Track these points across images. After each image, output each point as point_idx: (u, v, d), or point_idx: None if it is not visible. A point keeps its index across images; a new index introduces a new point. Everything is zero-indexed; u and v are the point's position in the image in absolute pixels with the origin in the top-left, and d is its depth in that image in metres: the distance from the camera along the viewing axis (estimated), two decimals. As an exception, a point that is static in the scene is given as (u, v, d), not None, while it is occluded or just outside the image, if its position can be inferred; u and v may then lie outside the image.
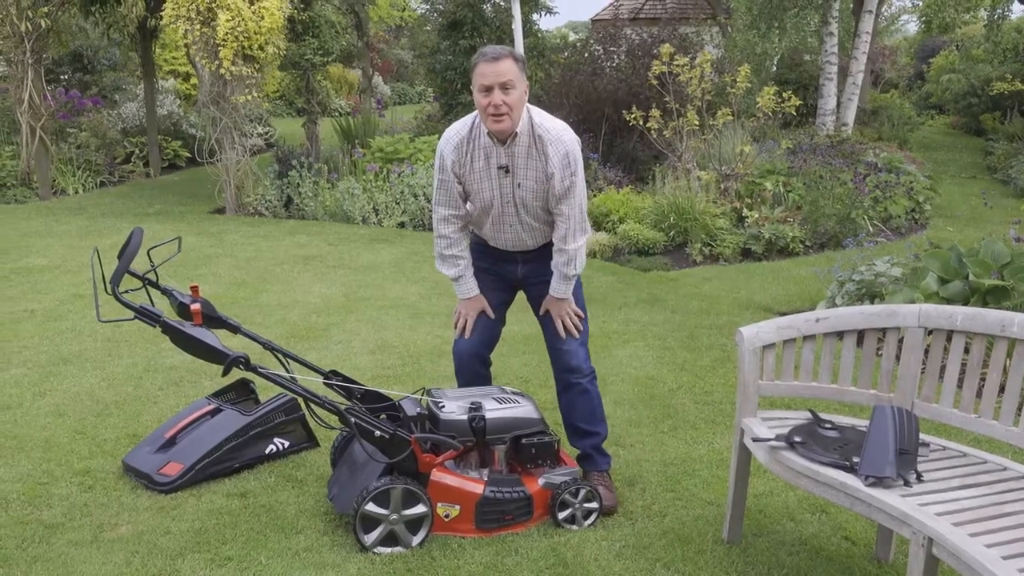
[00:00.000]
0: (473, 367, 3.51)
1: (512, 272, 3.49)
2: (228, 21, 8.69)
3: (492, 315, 3.44)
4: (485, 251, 3.50)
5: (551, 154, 3.16)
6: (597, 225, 8.24)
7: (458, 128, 3.30)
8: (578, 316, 3.41)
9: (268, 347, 3.43)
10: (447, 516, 3.12)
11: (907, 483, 2.52)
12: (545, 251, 3.41)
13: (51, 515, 3.29)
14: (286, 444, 3.80)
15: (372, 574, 2.93)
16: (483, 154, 3.24)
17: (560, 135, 3.19)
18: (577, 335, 3.40)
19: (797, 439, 2.79)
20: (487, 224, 3.39)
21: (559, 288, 3.34)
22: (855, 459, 2.62)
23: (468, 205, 3.37)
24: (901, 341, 2.99)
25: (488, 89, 3.06)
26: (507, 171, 3.23)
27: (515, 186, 3.25)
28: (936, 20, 23.09)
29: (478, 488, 3.14)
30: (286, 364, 3.39)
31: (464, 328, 3.44)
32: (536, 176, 3.22)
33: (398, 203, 9.19)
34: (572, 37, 18.30)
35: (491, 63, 3.06)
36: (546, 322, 3.46)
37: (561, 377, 3.46)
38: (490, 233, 3.43)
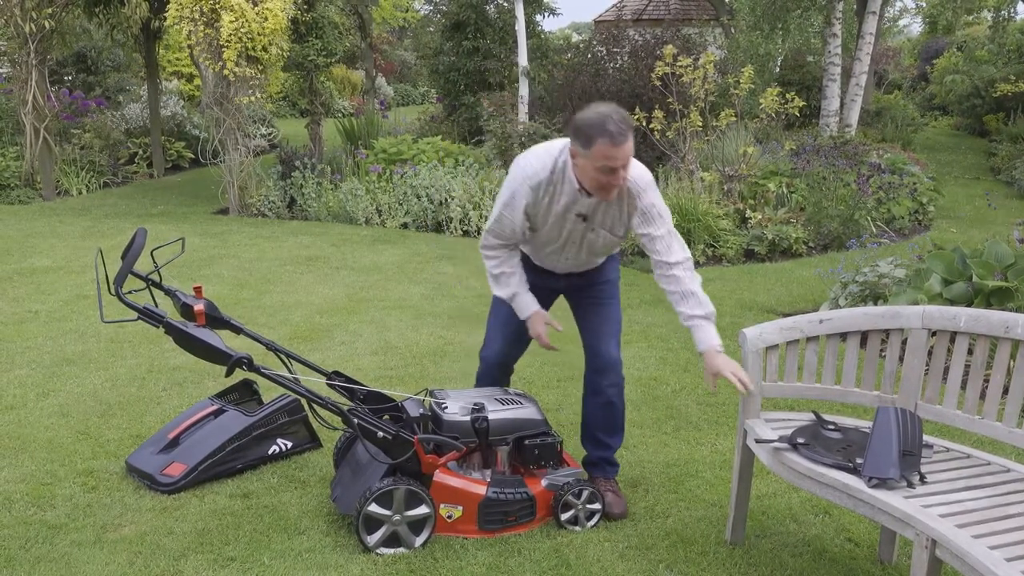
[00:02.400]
0: (494, 375, 3.50)
1: (555, 284, 3.41)
2: (232, 22, 8.70)
3: (559, 327, 3.30)
4: (529, 267, 3.37)
5: (638, 206, 3.04)
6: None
7: (538, 168, 3.03)
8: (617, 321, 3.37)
9: (271, 348, 3.43)
10: (450, 517, 3.12)
11: (910, 484, 2.52)
12: (591, 268, 3.36)
13: (54, 515, 3.29)
14: (289, 445, 3.81)
15: (375, 575, 2.93)
16: (564, 199, 3.04)
17: (646, 185, 3.04)
18: (749, 388, 2.92)
19: (800, 440, 2.78)
20: (542, 253, 3.30)
21: (712, 336, 2.97)
22: (858, 460, 2.62)
23: (528, 233, 3.20)
24: (904, 343, 2.99)
25: (614, 170, 2.85)
26: (585, 219, 3.09)
27: (589, 231, 3.14)
28: (941, 20, 23.07)
29: (481, 489, 3.14)
30: (289, 365, 3.39)
31: (546, 344, 3.28)
32: (612, 223, 3.12)
33: (401, 204, 9.20)
34: (575, 38, 18.30)
35: (618, 148, 2.80)
36: (585, 322, 3.39)
37: (593, 381, 3.37)
38: (542, 258, 3.33)
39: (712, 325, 3.01)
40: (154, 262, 3.20)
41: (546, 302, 3.45)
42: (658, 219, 3.07)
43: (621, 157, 2.83)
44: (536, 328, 3.28)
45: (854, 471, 2.59)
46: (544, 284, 3.40)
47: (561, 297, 3.51)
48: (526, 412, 3.22)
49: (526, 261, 3.38)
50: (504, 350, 3.43)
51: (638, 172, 3.03)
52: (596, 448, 3.45)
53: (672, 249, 3.08)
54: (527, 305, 3.27)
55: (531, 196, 3.04)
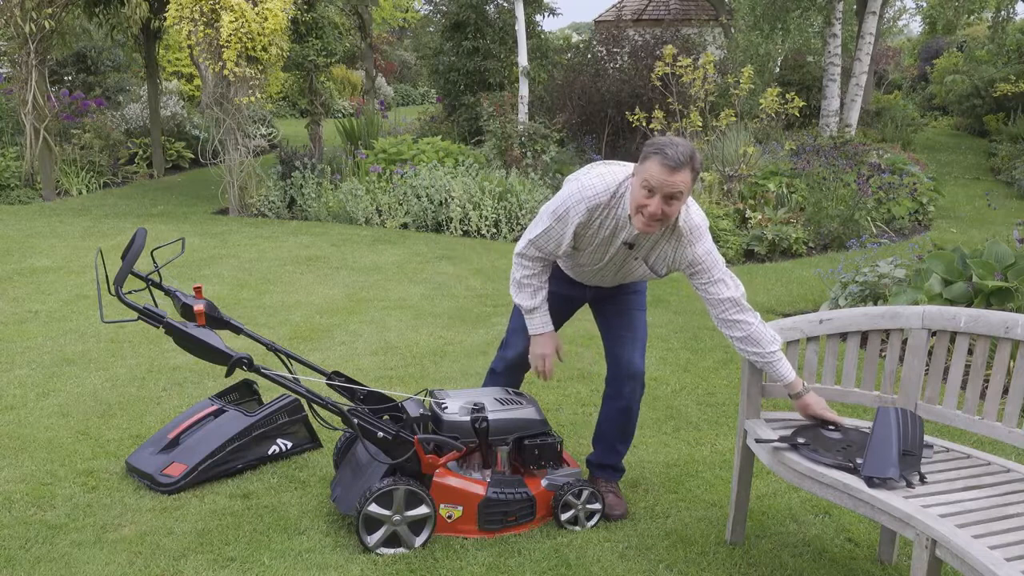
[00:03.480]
0: (514, 376, 3.49)
1: (581, 293, 3.37)
2: (232, 22, 8.70)
3: (562, 359, 3.30)
4: (558, 276, 3.32)
5: (692, 252, 2.97)
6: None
7: (599, 191, 2.94)
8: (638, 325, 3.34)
9: (271, 348, 3.43)
10: (450, 517, 3.12)
11: (910, 484, 2.52)
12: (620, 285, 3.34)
13: (54, 516, 3.29)
14: (289, 445, 3.81)
15: (374, 575, 2.93)
16: (613, 224, 2.98)
17: (701, 234, 2.98)
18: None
19: (800, 440, 2.78)
20: (579, 269, 3.23)
21: (791, 371, 2.95)
22: (858, 461, 2.62)
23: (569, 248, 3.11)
24: (904, 343, 2.99)
25: (651, 191, 2.75)
26: (631, 247, 3.03)
27: (631, 258, 3.07)
28: (940, 20, 23.09)
29: (481, 489, 3.14)
30: (289, 365, 3.39)
31: (547, 370, 3.24)
32: (657, 261, 3.06)
33: (401, 204, 9.20)
34: (575, 38, 18.29)
35: (669, 171, 2.71)
36: (610, 330, 3.36)
37: (614, 387, 3.34)
38: (577, 273, 3.27)
39: (787, 362, 2.97)
40: (154, 262, 3.20)
41: (567, 311, 3.44)
42: (713, 267, 3.00)
43: (662, 183, 2.72)
44: (543, 348, 3.21)
45: (854, 471, 2.59)
46: (570, 293, 3.36)
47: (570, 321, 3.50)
48: (526, 412, 3.22)
49: (556, 271, 3.32)
50: (525, 353, 3.35)
51: (695, 220, 2.96)
52: (605, 452, 3.44)
53: (727, 289, 3.02)
54: (544, 324, 3.20)
55: (585, 216, 2.96)
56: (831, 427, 2.90)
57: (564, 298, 3.35)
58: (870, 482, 2.51)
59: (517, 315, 3.41)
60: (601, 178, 2.96)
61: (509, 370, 3.48)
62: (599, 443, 3.46)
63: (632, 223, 2.87)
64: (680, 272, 3.08)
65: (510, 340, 3.44)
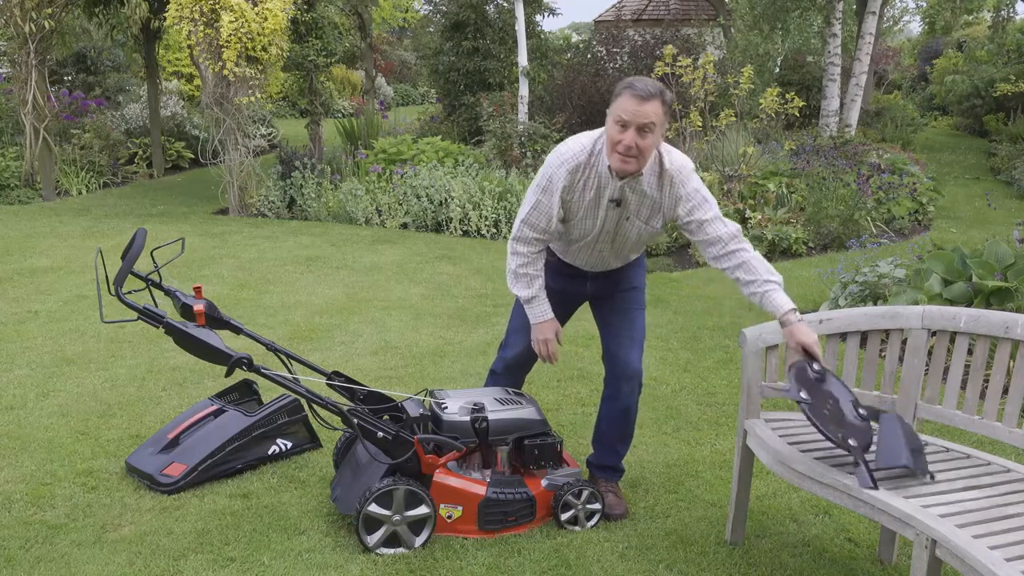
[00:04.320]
0: (514, 376, 3.48)
1: (581, 288, 3.33)
2: (231, 22, 8.70)
3: (560, 341, 3.25)
4: (556, 270, 3.30)
5: (682, 194, 2.97)
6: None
7: (576, 151, 2.97)
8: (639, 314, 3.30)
9: (271, 348, 3.43)
10: (450, 517, 3.12)
11: (932, 477, 2.52)
12: (619, 268, 3.30)
13: (54, 516, 3.29)
14: (289, 445, 3.81)
15: (374, 575, 2.93)
16: (596, 183, 2.98)
17: (688, 173, 2.99)
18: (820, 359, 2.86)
19: (803, 396, 2.65)
20: (573, 247, 3.21)
21: (785, 300, 2.86)
22: (850, 442, 2.58)
23: (560, 226, 3.13)
24: (904, 343, 2.99)
25: (624, 125, 2.80)
26: (618, 204, 3.01)
27: (623, 219, 3.06)
28: (939, 21, 23.09)
29: (481, 489, 3.14)
30: (289, 365, 3.39)
31: (550, 354, 3.21)
32: (650, 213, 3.04)
33: (401, 204, 9.20)
34: (575, 38, 18.30)
35: (637, 101, 2.76)
36: (609, 328, 3.33)
37: (612, 387, 3.33)
38: (572, 255, 3.24)
39: (782, 290, 2.89)
40: (154, 262, 3.20)
41: (568, 310, 3.42)
42: (704, 204, 2.99)
43: (634, 113, 2.76)
44: (545, 334, 3.19)
45: (845, 445, 2.57)
46: (569, 289, 3.34)
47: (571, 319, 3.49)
48: (526, 412, 3.22)
49: (552, 265, 3.29)
50: (526, 353, 3.36)
51: (679, 160, 2.99)
52: (605, 453, 3.44)
53: (724, 226, 2.99)
54: (544, 311, 3.18)
55: (568, 179, 2.97)
56: (816, 373, 2.77)
57: (564, 295, 3.32)
58: (864, 480, 2.50)
59: (516, 315, 3.40)
60: (576, 140, 3.01)
61: (509, 370, 3.47)
62: (598, 444, 3.46)
63: (610, 165, 2.90)
64: (675, 222, 3.05)
65: (509, 340, 3.44)
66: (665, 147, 2.98)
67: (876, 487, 2.48)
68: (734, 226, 3.02)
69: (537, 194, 3.03)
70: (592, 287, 3.33)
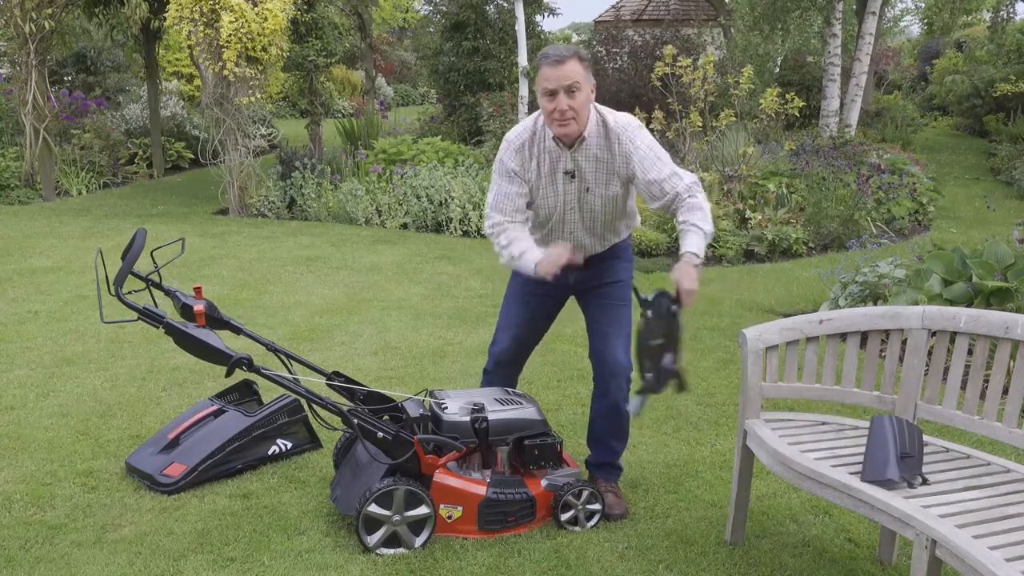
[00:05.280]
0: (505, 373, 3.47)
1: (564, 278, 3.25)
2: (231, 23, 8.70)
3: (580, 259, 3.11)
4: None
5: (632, 151, 3.03)
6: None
7: (519, 131, 3.15)
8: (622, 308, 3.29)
9: (271, 348, 3.43)
10: (450, 517, 3.12)
11: (911, 485, 2.52)
12: (606, 255, 3.32)
13: (54, 516, 3.29)
14: (289, 445, 3.81)
15: (374, 575, 2.93)
16: (548, 158, 3.10)
17: (635, 128, 3.07)
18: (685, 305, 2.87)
19: (649, 376, 2.90)
20: (544, 231, 3.27)
21: (694, 244, 2.90)
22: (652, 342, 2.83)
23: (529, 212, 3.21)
24: (904, 343, 2.99)
25: (552, 93, 2.93)
26: (573, 176, 3.11)
27: (583, 191, 3.13)
28: (938, 21, 23.07)
29: (481, 489, 3.14)
30: (289, 365, 3.39)
31: (558, 259, 2.98)
32: (607, 178, 3.10)
33: (401, 204, 9.20)
34: (575, 38, 18.29)
35: (555, 66, 2.91)
36: (595, 324, 3.34)
37: (600, 384, 3.34)
38: (546, 241, 3.27)
39: (702, 238, 2.93)
40: (154, 262, 3.20)
41: (554, 304, 3.42)
42: (658, 161, 3.04)
43: (557, 78, 2.91)
44: (554, 260, 2.98)
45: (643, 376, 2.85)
46: (553, 284, 3.28)
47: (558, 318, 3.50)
48: (526, 412, 3.22)
49: None
50: (513, 348, 3.40)
51: (624, 118, 3.11)
52: (601, 452, 3.44)
53: (680, 180, 3.03)
54: (535, 254, 3.03)
55: (517, 159, 3.13)
56: (672, 310, 2.87)
57: (547, 287, 3.21)
58: (635, 406, 2.77)
59: (503, 314, 3.43)
60: (520, 123, 3.19)
61: (499, 367, 3.47)
62: (594, 443, 3.46)
63: (554, 135, 3.04)
64: (633, 183, 3.12)
65: (497, 337, 3.45)
66: (606, 109, 3.12)
67: (659, 391, 2.85)
68: (690, 177, 3.09)
69: (495, 178, 3.20)
70: (575, 278, 3.29)
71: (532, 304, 3.36)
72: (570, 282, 3.31)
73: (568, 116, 2.95)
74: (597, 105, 3.11)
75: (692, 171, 8.59)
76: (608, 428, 3.39)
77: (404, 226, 9.08)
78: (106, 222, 9.18)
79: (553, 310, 3.44)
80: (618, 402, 3.32)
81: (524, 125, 3.16)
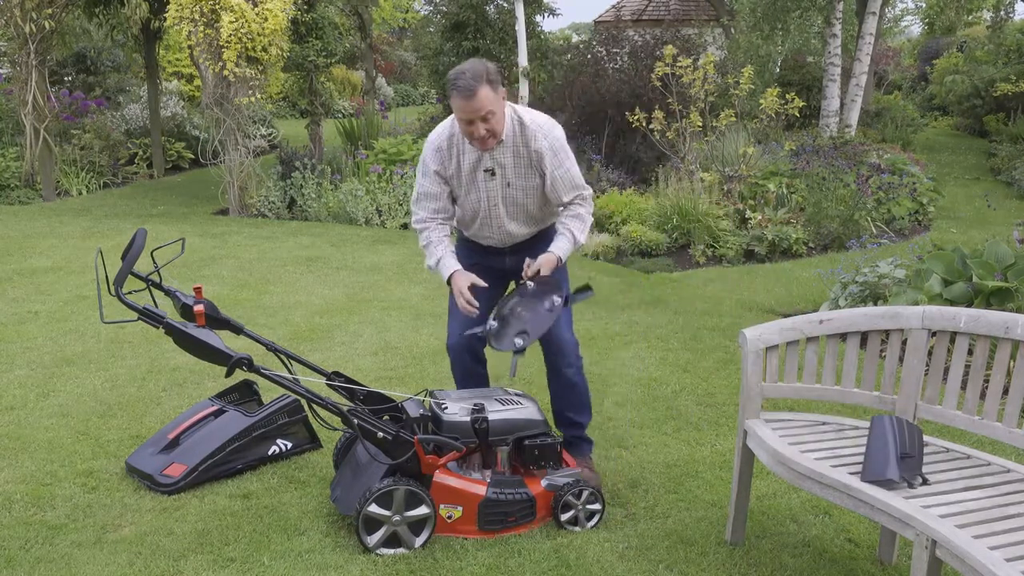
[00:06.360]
0: (465, 362, 3.51)
1: (499, 263, 3.49)
2: (232, 23, 8.70)
3: (484, 283, 3.28)
4: (472, 248, 3.51)
5: (536, 147, 3.20)
6: (600, 227, 8.24)
7: (439, 132, 3.29)
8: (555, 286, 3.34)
9: (271, 348, 3.43)
10: (450, 517, 3.12)
11: (911, 485, 2.52)
12: (534, 240, 3.45)
13: (54, 516, 3.29)
14: (289, 445, 3.81)
15: (375, 575, 2.93)
16: (468, 158, 3.26)
17: (548, 128, 3.24)
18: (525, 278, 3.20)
19: (488, 326, 3.11)
20: (475, 225, 3.41)
21: (559, 247, 3.26)
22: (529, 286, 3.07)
23: (457, 209, 3.41)
24: (904, 343, 2.99)
25: (469, 121, 3.07)
26: (493, 173, 3.26)
27: (504, 186, 3.28)
28: (939, 21, 23.06)
29: (481, 490, 3.14)
30: (289, 365, 3.39)
31: (467, 304, 3.19)
32: (526, 171, 3.25)
33: (401, 204, 9.20)
34: (575, 39, 18.29)
35: (466, 99, 3.00)
36: None
37: (551, 364, 3.48)
38: (478, 233, 3.44)
39: (568, 243, 3.26)
40: (154, 262, 3.20)
41: (496, 285, 3.49)
42: (566, 159, 3.26)
43: (470, 110, 3.02)
44: (459, 286, 3.23)
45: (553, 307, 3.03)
46: (491, 264, 3.48)
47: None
48: (526, 413, 3.22)
49: (470, 244, 3.52)
50: (460, 333, 3.43)
51: (540, 117, 3.27)
52: (567, 427, 3.58)
53: (579, 183, 3.30)
54: (450, 265, 3.29)
55: (437, 158, 3.27)
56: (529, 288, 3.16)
57: (484, 268, 3.43)
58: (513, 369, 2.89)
59: (450, 306, 3.47)
60: (441, 124, 3.31)
61: (458, 357, 3.51)
62: (559, 422, 3.59)
63: (496, 151, 3.21)
64: (547, 177, 3.26)
65: (448, 331, 3.53)
66: (523, 109, 3.28)
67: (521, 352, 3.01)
68: (586, 189, 3.35)
69: (418, 178, 3.35)
70: (511, 262, 3.44)
71: (474, 293, 3.34)
72: (506, 267, 3.48)
73: (485, 139, 3.11)
74: (512, 105, 3.25)
75: (692, 171, 8.64)
76: (567, 403, 3.52)
77: (404, 226, 9.07)
78: (106, 222, 9.18)
79: (494, 293, 3.47)
80: (572, 378, 3.45)
81: (443, 126, 3.28)
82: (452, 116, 3.23)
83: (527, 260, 3.21)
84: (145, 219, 9.37)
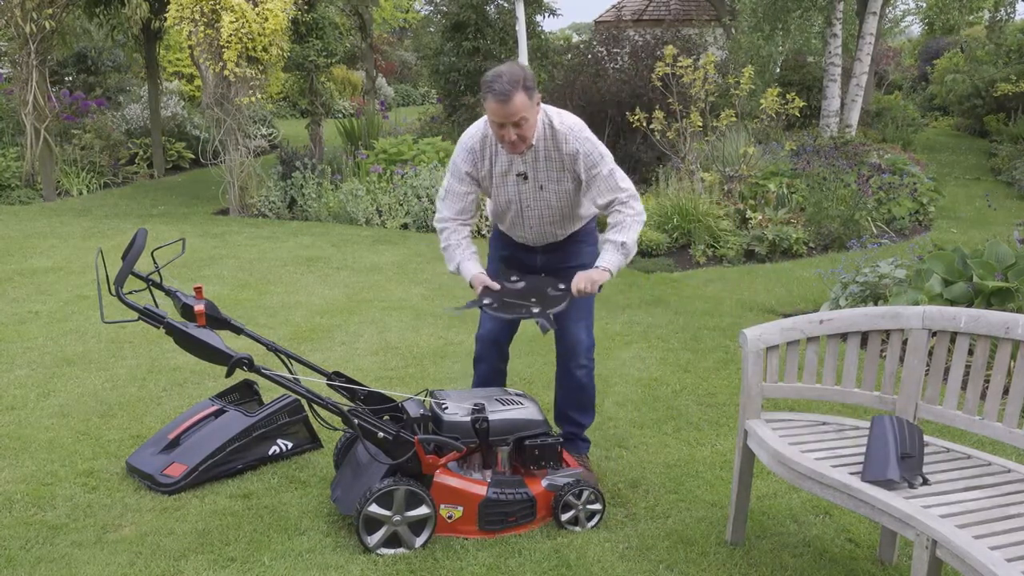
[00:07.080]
0: (492, 358, 3.55)
1: (531, 261, 3.50)
2: (232, 23, 8.70)
3: (497, 285, 3.31)
4: (506, 241, 3.54)
5: (578, 148, 3.18)
6: (600, 226, 8.23)
7: (471, 133, 3.30)
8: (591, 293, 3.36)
9: (271, 348, 3.43)
10: (450, 517, 3.12)
11: (911, 485, 2.52)
12: (568, 241, 3.45)
13: (55, 516, 3.29)
14: (289, 445, 3.81)
15: (375, 575, 2.93)
16: (500, 160, 3.27)
17: (579, 130, 3.22)
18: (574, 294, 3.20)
19: (485, 301, 3.09)
20: (507, 221, 3.44)
21: (605, 259, 3.20)
22: (533, 302, 3.05)
23: (490, 203, 3.46)
24: (905, 343, 2.99)
25: (501, 124, 3.08)
26: (526, 177, 3.26)
27: (537, 189, 3.28)
28: (939, 22, 23.05)
29: (481, 490, 3.14)
30: (289, 365, 3.39)
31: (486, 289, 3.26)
32: (558, 176, 3.25)
33: (401, 204, 9.20)
34: (575, 39, 18.30)
35: (501, 103, 3.00)
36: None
37: (563, 362, 3.49)
38: (511, 230, 3.47)
39: (617, 253, 3.19)
40: (155, 262, 3.20)
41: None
42: (600, 160, 3.20)
43: (504, 115, 3.01)
44: (479, 285, 3.28)
45: (536, 314, 3.03)
46: (521, 258, 3.51)
47: None
48: (526, 413, 3.22)
49: (504, 237, 3.55)
50: (495, 328, 3.50)
51: (570, 119, 3.24)
52: (568, 425, 3.60)
53: (615, 185, 3.22)
54: (468, 270, 3.31)
55: (469, 159, 3.28)
56: (514, 278, 3.21)
57: (518, 262, 3.50)
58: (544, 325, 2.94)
59: None
60: (474, 125, 3.32)
61: (485, 349, 3.54)
62: (560, 419, 3.60)
63: (528, 155, 3.21)
64: (583, 181, 3.24)
65: (480, 321, 3.57)
66: (554, 110, 3.24)
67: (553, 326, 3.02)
68: (625, 184, 3.25)
69: (448, 177, 3.36)
70: (542, 260, 3.49)
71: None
72: (537, 265, 3.50)
73: (516, 144, 3.12)
74: (547, 108, 3.24)
75: (693, 171, 8.63)
76: (573, 403, 3.55)
77: (404, 226, 9.08)
78: (106, 222, 9.18)
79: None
80: (581, 379, 3.48)
81: (476, 127, 3.29)
82: (485, 117, 3.23)
83: (577, 274, 3.18)
84: (145, 219, 9.37)
